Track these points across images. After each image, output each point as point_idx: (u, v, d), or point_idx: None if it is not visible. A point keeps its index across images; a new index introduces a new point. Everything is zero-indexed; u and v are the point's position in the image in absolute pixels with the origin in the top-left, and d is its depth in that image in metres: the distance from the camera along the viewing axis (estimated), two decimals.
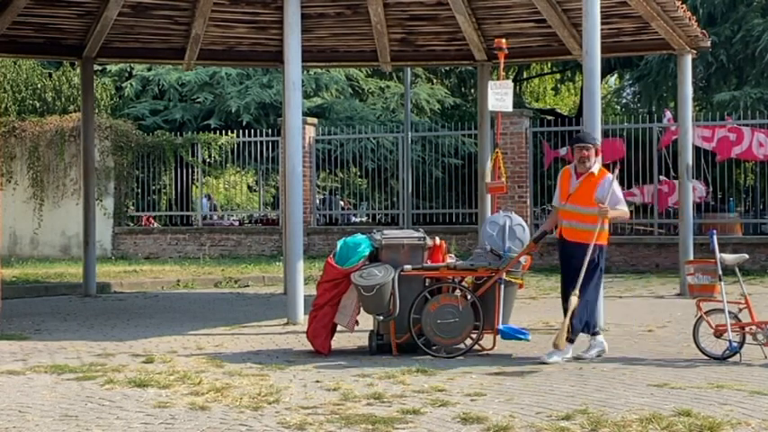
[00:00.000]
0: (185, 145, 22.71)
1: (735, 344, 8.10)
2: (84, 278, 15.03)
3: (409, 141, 21.23)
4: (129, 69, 25.40)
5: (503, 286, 8.63)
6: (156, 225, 23.01)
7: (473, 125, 19.89)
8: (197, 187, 24.48)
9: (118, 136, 22.42)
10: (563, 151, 19.11)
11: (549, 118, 26.72)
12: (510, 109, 11.11)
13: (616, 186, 8.51)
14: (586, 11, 10.41)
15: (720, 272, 8.30)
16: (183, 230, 22.54)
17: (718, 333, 8.20)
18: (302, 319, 10.40)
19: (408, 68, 21.22)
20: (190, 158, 22.76)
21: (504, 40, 10.73)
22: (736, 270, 8.47)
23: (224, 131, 23.02)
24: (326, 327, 8.75)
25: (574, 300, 8.12)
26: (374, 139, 23.12)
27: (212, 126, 23.80)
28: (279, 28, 13.70)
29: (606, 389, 6.95)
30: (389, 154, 23.10)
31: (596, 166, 8.57)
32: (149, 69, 25.06)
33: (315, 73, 24.40)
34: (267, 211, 26.56)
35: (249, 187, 29.80)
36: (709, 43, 14.15)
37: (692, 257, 12.95)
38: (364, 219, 24.31)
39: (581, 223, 8.41)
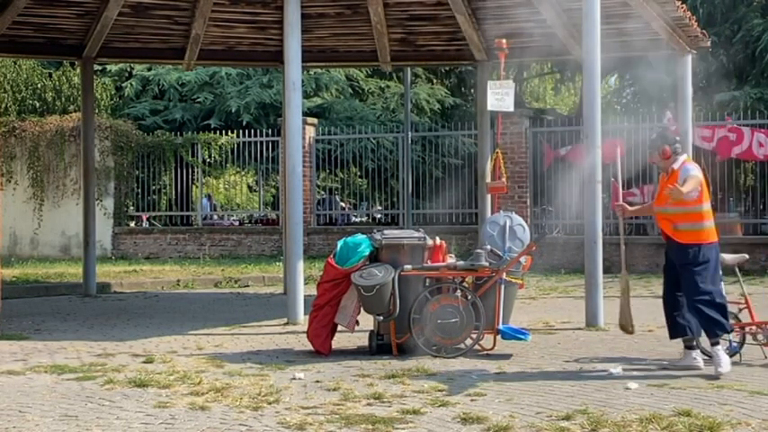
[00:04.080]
0: (185, 145, 22.71)
1: (735, 344, 8.10)
2: (84, 278, 15.03)
3: (409, 141, 21.23)
4: (129, 69, 25.41)
5: (503, 286, 8.63)
6: (146, 224, 22.98)
7: (473, 125, 19.88)
8: (197, 187, 24.48)
9: (118, 136, 22.41)
10: (563, 151, 19.11)
11: (549, 118, 26.68)
12: (511, 109, 11.10)
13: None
14: (586, 11, 10.42)
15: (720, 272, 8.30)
16: (183, 230, 22.54)
17: None
18: (302, 319, 10.40)
19: (408, 68, 21.22)
20: (190, 158, 22.76)
21: (504, 40, 10.73)
22: (736, 270, 8.46)
23: (224, 131, 23.02)
24: (327, 327, 8.74)
25: None
26: (374, 139, 23.12)
27: (212, 126, 23.82)
28: (279, 28, 13.70)
29: (606, 389, 6.95)
30: (389, 154, 23.10)
31: (676, 164, 7.86)
32: (149, 69, 25.07)
33: (315, 73, 24.41)
34: (267, 211, 26.54)
35: (249, 187, 29.79)
36: (709, 43, 14.14)
37: None
38: (364, 219, 24.31)
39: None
